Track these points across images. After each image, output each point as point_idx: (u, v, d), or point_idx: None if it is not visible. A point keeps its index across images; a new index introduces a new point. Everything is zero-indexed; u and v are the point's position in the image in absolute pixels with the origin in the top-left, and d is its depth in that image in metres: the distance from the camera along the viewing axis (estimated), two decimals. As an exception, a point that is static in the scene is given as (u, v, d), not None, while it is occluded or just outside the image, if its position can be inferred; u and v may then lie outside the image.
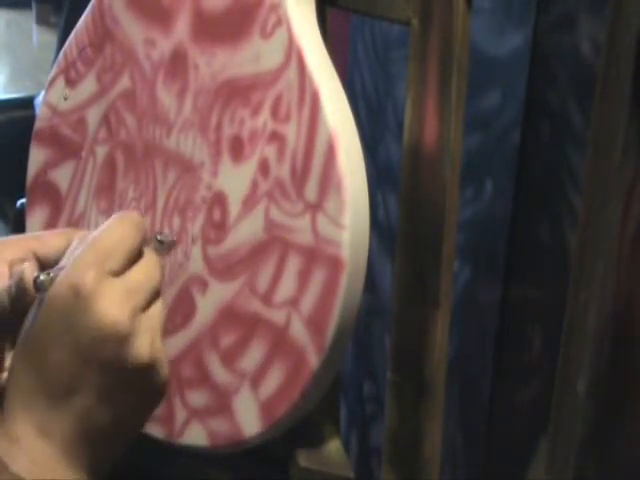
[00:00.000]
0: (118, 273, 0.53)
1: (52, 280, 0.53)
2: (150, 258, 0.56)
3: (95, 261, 0.52)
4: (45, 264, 0.58)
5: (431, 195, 0.59)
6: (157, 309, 0.54)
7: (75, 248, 0.55)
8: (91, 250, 0.53)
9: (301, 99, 0.57)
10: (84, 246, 0.54)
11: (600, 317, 0.55)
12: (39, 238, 0.61)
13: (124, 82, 0.67)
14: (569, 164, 0.76)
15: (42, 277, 0.53)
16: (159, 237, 0.59)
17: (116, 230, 0.55)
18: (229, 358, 0.61)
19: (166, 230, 0.64)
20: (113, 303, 0.52)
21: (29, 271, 0.56)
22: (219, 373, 0.61)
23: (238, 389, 0.61)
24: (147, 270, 0.55)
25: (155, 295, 0.55)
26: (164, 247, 0.59)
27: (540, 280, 0.80)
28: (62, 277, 0.52)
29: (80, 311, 0.51)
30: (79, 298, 0.51)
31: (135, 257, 0.55)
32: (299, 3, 0.59)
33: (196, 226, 0.63)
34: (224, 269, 0.61)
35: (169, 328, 0.64)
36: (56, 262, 0.56)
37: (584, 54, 0.73)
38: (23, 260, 0.58)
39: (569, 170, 0.76)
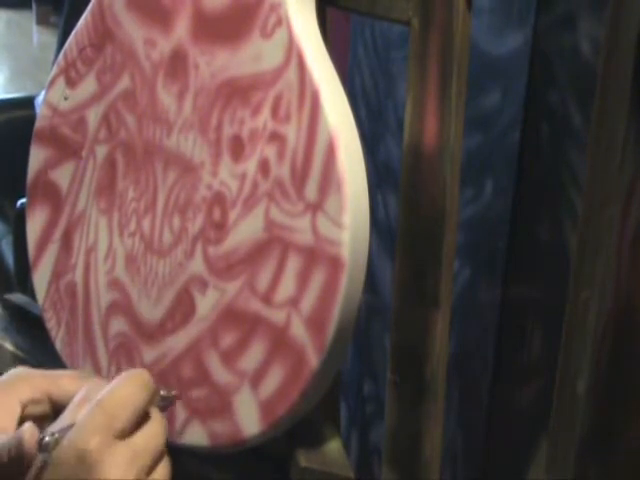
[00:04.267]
0: (124, 436, 0.54)
1: (57, 442, 0.53)
2: (156, 418, 0.56)
3: (101, 425, 0.53)
4: (58, 407, 0.58)
5: (431, 195, 0.59)
6: (162, 470, 0.55)
7: (80, 402, 0.56)
8: (98, 412, 0.53)
9: (301, 99, 0.57)
10: (91, 406, 0.54)
11: (600, 317, 0.55)
12: (56, 380, 0.60)
13: (124, 82, 0.67)
14: (569, 164, 0.76)
15: (47, 438, 0.53)
16: (162, 392, 0.59)
17: (123, 390, 0.55)
18: (229, 358, 0.61)
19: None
20: (117, 468, 0.52)
21: (28, 434, 0.55)
22: (219, 373, 0.61)
23: (238, 389, 0.61)
24: (153, 432, 0.55)
25: (160, 457, 0.55)
26: (165, 402, 0.59)
27: (540, 280, 0.80)
28: (68, 440, 0.53)
29: (84, 476, 0.52)
30: (84, 464, 0.52)
31: (142, 417, 0.55)
32: (299, 3, 0.59)
33: (196, 226, 0.63)
34: (224, 269, 0.61)
35: (169, 328, 0.64)
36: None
37: (584, 54, 0.73)
38: (37, 401, 0.58)
39: (569, 170, 0.76)
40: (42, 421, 0.58)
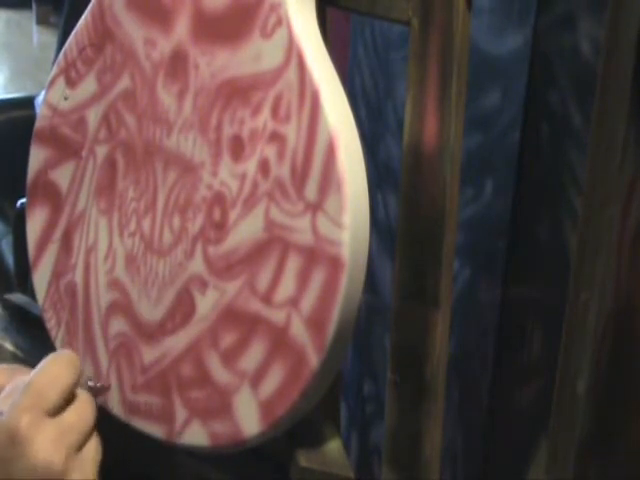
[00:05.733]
0: (53, 413, 0.56)
1: None
2: (84, 398, 0.59)
3: (31, 404, 0.55)
4: None
5: (431, 195, 0.59)
6: (92, 447, 0.57)
7: (9, 392, 0.58)
8: (27, 392, 0.56)
9: (301, 99, 0.57)
10: (21, 388, 0.56)
11: (600, 317, 0.55)
12: None
13: (124, 82, 0.67)
14: (569, 164, 0.76)
15: None
16: (89, 383, 0.63)
17: (51, 371, 0.58)
18: (229, 358, 0.61)
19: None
20: (47, 444, 0.54)
21: None
22: (219, 373, 0.61)
23: (238, 389, 0.61)
24: (81, 410, 0.58)
25: (89, 434, 0.57)
26: (94, 391, 0.62)
27: (540, 280, 0.80)
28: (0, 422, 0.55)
29: (16, 454, 0.54)
30: (16, 441, 0.54)
31: (70, 395, 0.58)
32: (299, 3, 0.59)
33: (196, 226, 0.63)
34: (224, 269, 0.61)
35: (169, 328, 0.64)
36: None
37: (584, 54, 0.73)
38: None
39: (569, 170, 0.76)
40: None
